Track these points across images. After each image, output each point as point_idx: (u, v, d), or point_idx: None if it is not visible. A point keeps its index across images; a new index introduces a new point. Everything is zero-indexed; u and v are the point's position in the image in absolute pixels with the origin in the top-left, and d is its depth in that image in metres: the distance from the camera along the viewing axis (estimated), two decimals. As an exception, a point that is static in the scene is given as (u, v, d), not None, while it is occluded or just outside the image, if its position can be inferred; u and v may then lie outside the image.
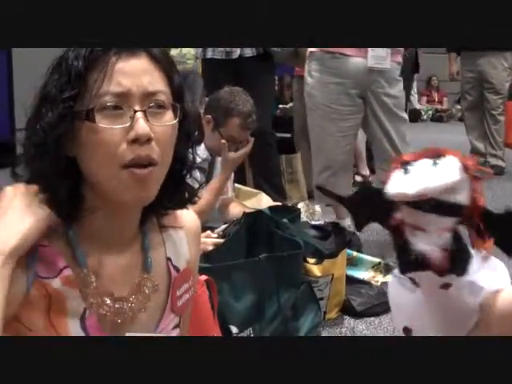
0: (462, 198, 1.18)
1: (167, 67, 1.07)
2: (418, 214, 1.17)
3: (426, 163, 1.15)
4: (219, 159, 3.02)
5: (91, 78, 1.01)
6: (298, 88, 5.19)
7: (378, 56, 3.32)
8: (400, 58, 3.50)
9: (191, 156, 1.13)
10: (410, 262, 1.25)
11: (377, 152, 3.64)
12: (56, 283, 1.04)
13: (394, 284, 1.40)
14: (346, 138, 3.48)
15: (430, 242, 1.18)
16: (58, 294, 1.04)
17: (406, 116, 3.67)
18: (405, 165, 1.17)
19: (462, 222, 1.19)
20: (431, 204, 1.14)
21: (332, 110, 3.43)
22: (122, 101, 1.01)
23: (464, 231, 1.23)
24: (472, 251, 1.30)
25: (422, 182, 1.10)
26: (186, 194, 1.15)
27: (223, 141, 2.80)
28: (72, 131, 1.01)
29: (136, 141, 1.00)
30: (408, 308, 1.38)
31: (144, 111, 1.01)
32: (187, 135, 1.11)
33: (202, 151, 2.82)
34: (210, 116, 2.91)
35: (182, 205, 1.17)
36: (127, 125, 1.00)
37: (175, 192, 1.13)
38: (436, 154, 1.18)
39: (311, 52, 3.50)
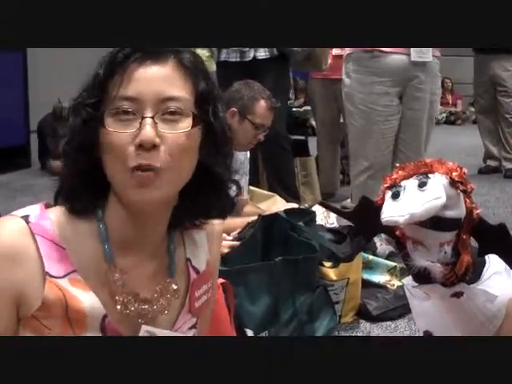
0: (457, 212, 1.20)
1: (195, 75, 1.07)
2: (418, 230, 1.20)
3: (413, 186, 1.19)
4: (239, 154, 3.01)
5: (111, 84, 1.03)
6: (319, 91, 5.14)
7: (421, 49, 3.23)
8: (438, 53, 3.38)
9: (227, 168, 1.12)
10: (415, 276, 1.27)
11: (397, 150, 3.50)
12: (64, 282, 1.04)
13: (408, 293, 1.40)
14: (386, 141, 3.40)
15: (430, 256, 1.20)
16: (71, 297, 1.04)
17: (434, 119, 3.56)
18: (393, 187, 1.21)
19: (459, 233, 1.21)
20: (430, 221, 1.17)
21: (373, 112, 3.35)
22: (135, 106, 1.02)
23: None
24: (486, 259, 1.30)
25: (410, 209, 1.16)
26: (224, 205, 1.15)
27: None
28: (95, 135, 1.04)
29: (141, 146, 1.00)
30: (427, 314, 1.38)
31: (152, 117, 1.01)
32: (214, 145, 1.09)
33: None
34: (234, 108, 2.91)
35: (221, 216, 1.18)
36: (133, 130, 1.01)
37: (211, 204, 1.13)
38: (424, 172, 1.20)
39: (348, 54, 3.45)
